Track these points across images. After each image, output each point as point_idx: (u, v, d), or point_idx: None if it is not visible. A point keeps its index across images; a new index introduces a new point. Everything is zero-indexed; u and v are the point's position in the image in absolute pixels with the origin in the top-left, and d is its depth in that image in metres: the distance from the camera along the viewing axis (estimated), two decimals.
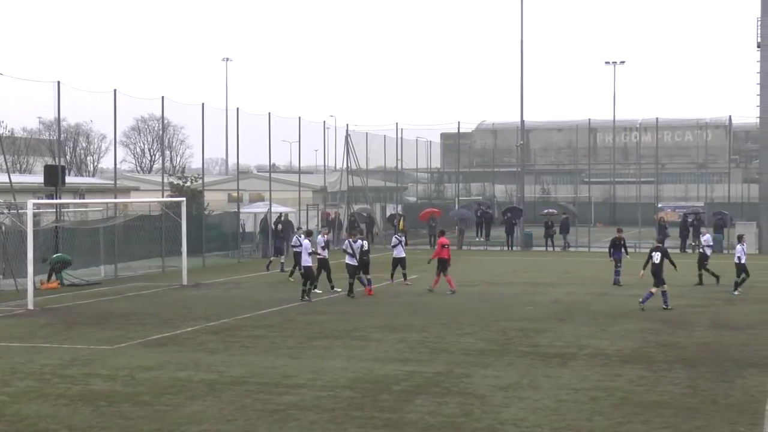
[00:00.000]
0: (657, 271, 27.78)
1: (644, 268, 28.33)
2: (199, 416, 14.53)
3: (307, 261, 30.08)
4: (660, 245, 29.51)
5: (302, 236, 32.68)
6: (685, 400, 15.55)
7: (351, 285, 30.82)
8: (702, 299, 30.17)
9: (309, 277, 30.01)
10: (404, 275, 34.44)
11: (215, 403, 15.42)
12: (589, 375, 17.67)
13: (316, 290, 30.87)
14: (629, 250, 36.14)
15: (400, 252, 34.42)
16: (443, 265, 32.20)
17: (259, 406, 15.13)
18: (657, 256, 27.97)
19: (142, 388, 16.66)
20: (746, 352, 20.18)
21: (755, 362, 19.02)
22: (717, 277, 34.24)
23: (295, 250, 34.35)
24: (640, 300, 27.73)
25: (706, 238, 35.66)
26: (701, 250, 35.17)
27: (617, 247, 35.13)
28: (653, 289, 27.72)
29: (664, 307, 27.22)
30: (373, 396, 15.86)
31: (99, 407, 15.17)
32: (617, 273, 34.28)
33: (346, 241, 32.21)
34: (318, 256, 31.55)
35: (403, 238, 36.19)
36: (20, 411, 14.94)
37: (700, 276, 34.43)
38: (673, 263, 28.33)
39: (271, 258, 41.97)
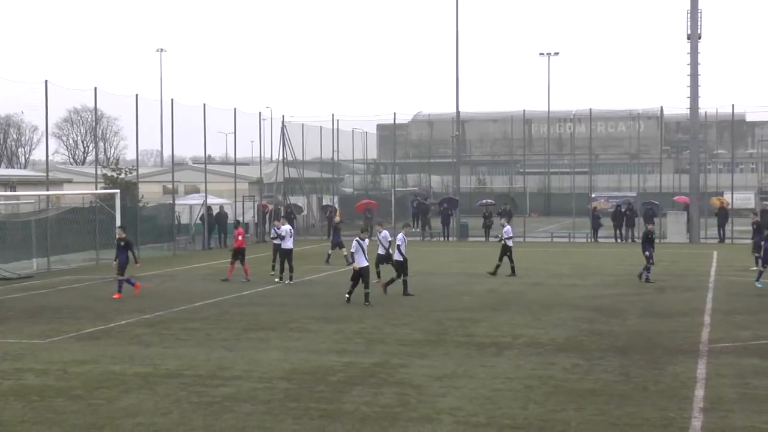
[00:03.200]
0: None
1: None
2: (133, 409, 14.43)
3: (362, 261, 26.93)
4: None
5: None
6: (618, 387, 15.79)
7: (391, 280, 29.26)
8: (634, 288, 30.61)
9: (363, 277, 26.84)
10: (404, 282, 29.32)
11: (150, 396, 15.32)
12: (523, 364, 17.85)
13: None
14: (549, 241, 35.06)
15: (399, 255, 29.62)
16: (240, 253, 33.12)
17: (195, 399, 15.06)
18: None
19: (75, 382, 16.49)
20: (676, 340, 20.54)
21: (685, 349, 19.36)
22: (513, 269, 34.26)
23: (275, 242, 33.90)
24: None
25: (507, 229, 35.12)
26: (503, 242, 34.84)
27: (650, 242, 32.75)
28: None
29: None
30: (309, 387, 15.87)
31: (31, 402, 14.99)
32: (648, 270, 32.29)
33: (383, 233, 30.30)
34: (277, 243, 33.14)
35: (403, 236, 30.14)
36: None
37: (497, 266, 34.39)
38: None
39: (330, 252, 39.81)
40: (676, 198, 60.50)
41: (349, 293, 26.96)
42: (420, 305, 26.36)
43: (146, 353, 19.21)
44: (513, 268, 34.33)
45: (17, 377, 16.94)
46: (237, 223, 36.47)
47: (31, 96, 39.75)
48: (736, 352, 18.98)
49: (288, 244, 32.47)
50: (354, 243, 27.17)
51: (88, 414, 14.19)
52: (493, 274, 34.04)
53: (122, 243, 29.47)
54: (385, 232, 31.76)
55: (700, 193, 56.00)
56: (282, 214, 47.42)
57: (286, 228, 33.11)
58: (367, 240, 27.51)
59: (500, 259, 34.50)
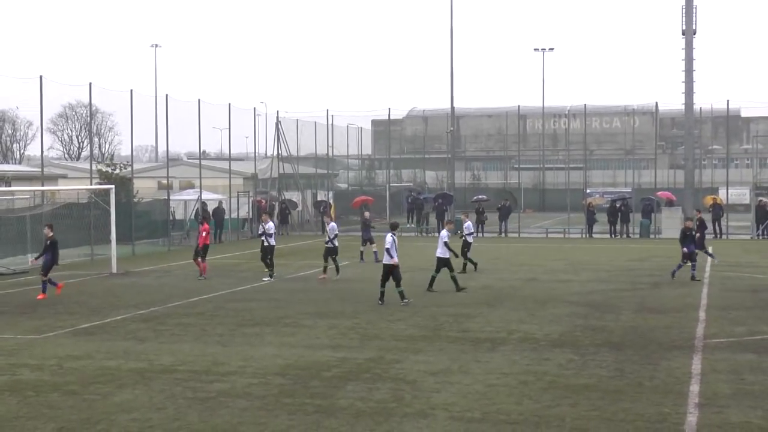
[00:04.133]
0: None
1: None
2: (128, 405, 14.42)
3: (395, 257, 25.91)
4: None
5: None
6: (612, 383, 15.80)
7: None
8: (628, 284, 30.64)
9: (394, 275, 25.87)
10: (432, 278, 28.78)
11: (145, 391, 15.32)
12: (518, 359, 17.86)
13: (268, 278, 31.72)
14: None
15: (443, 251, 28.58)
16: (203, 250, 32.88)
17: (190, 394, 15.06)
18: None
19: (70, 377, 16.48)
20: (671, 335, 20.55)
21: (679, 345, 19.37)
22: (475, 265, 33.94)
23: (263, 239, 33.65)
24: None
25: (467, 225, 34.69)
26: (462, 238, 34.24)
27: (687, 237, 31.76)
28: None
29: None
30: (304, 383, 15.87)
31: (26, 397, 14.98)
32: (693, 267, 31.29)
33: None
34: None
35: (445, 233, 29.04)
36: None
37: (465, 264, 33.57)
38: None
39: (362, 248, 39.50)
40: (658, 193, 60.47)
41: (382, 293, 25.90)
42: (414, 300, 26.33)
43: (141, 349, 19.20)
44: (465, 265, 33.58)
45: (12, 372, 16.93)
46: (202, 220, 35.70)
47: (26, 91, 39.82)
48: (731, 348, 19.00)
49: (272, 240, 32.34)
50: (390, 239, 26.16)
51: (83, 409, 14.19)
52: (463, 272, 33.14)
53: (48, 242, 28.23)
54: (333, 224, 32.58)
55: (695, 189, 56.06)
56: (267, 210, 47.45)
57: (270, 225, 32.91)
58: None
59: (464, 257, 33.61)
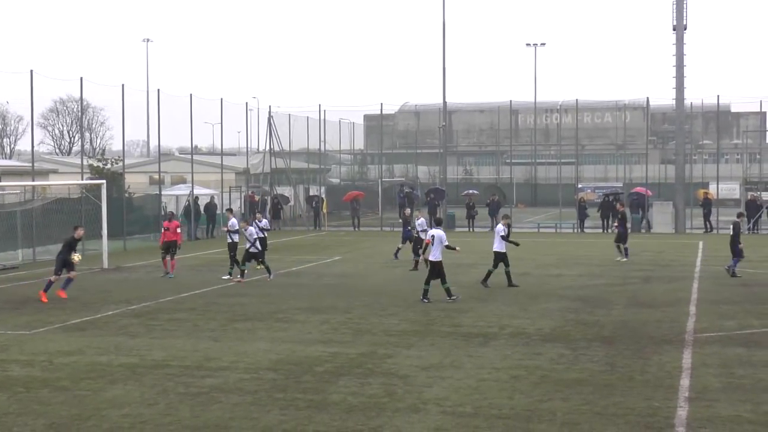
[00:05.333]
0: None
1: None
2: (120, 400, 14.41)
3: (436, 255, 25.21)
4: None
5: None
6: (604, 377, 15.84)
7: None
8: (620, 278, 30.69)
9: (436, 273, 25.29)
10: (508, 275, 28.56)
11: (136, 387, 15.30)
12: (510, 354, 17.89)
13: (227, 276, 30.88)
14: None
15: (500, 246, 28.57)
16: (172, 246, 31.93)
17: (182, 389, 15.05)
18: None
19: (61, 373, 16.45)
20: (662, 330, 20.61)
21: (670, 339, 19.43)
22: (426, 262, 33.17)
23: (259, 236, 32.48)
24: None
25: (420, 221, 34.37)
26: (417, 234, 33.75)
27: (739, 234, 31.25)
28: None
29: None
30: (296, 378, 15.87)
31: (16, 393, 14.95)
32: (736, 262, 30.93)
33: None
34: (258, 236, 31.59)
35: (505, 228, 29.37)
36: None
37: (417, 262, 32.96)
38: None
39: (399, 246, 37.78)
40: (633, 189, 60.33)
41: (426, 290, 25.34)
42: (406, 296, 26.35)
43: (132, 344, 19.17)
44: (417, 263, 32.87)
45: (2, 369, 16.88)
46: (171, 215, 34.62)
47: (17, 86, 39.87)
48: (721, 342, 19.06)
49: (235, 237, 31.56)
50: (441, 235, 25.56)
51: (74, 405, 14.16)
52: (415, 269, 32.57)
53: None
54: (251, 229, 30.94)
55: (686, 183, 56.12)
56: (231, 207, 47.01)
57: (233, 222, 32.13)
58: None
59: (422, 253, 32.29)
